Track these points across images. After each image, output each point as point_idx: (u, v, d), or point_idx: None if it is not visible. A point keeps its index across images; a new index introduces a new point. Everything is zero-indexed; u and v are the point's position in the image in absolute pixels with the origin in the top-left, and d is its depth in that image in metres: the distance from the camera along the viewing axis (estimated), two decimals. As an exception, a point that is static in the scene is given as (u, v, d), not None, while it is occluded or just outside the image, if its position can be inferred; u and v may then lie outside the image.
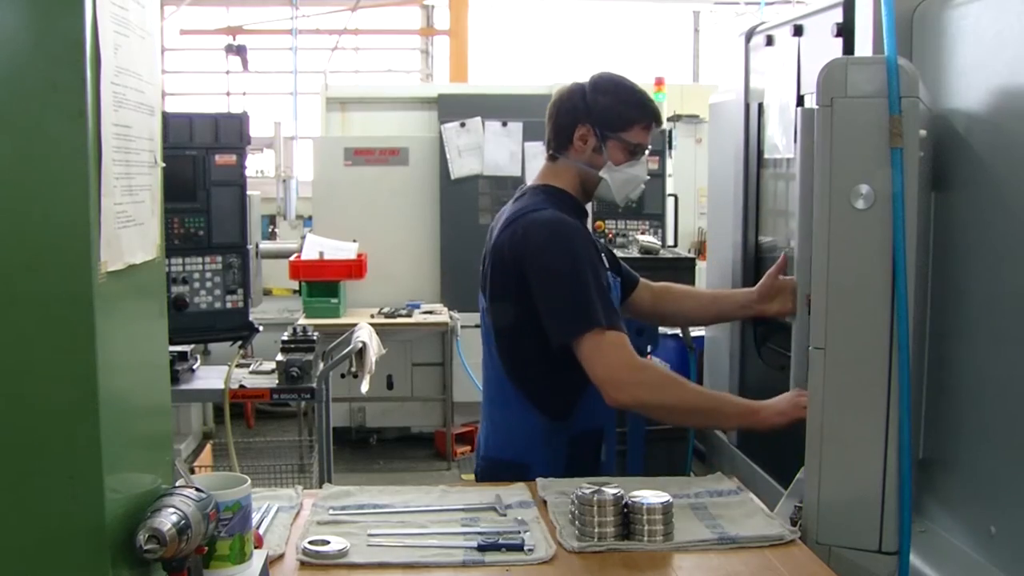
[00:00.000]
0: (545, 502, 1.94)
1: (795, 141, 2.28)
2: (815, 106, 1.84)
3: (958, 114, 1.99)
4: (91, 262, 1.07)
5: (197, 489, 1.24)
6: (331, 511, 1.89)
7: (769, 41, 2.82)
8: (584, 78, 2.26)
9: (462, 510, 1.91)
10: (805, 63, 2.50)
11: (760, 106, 2.86)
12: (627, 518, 1.75)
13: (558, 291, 2.06)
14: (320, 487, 2.07)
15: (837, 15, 2.28)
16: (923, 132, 1.81)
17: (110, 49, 1.11)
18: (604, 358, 2.01)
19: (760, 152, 2.88)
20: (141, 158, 1.24)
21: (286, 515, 1.87)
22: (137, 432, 1.25)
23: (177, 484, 1.31)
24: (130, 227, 1.19)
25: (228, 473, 1.52)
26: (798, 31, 2.56)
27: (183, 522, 1.16)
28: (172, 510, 1.16)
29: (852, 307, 1.83)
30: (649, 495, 1.77)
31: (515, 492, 2.01)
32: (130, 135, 1.19)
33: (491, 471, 2.20)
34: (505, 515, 1.88)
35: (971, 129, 1.95)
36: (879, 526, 1.82)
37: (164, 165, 1.34)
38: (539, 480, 2.05)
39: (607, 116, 2.19)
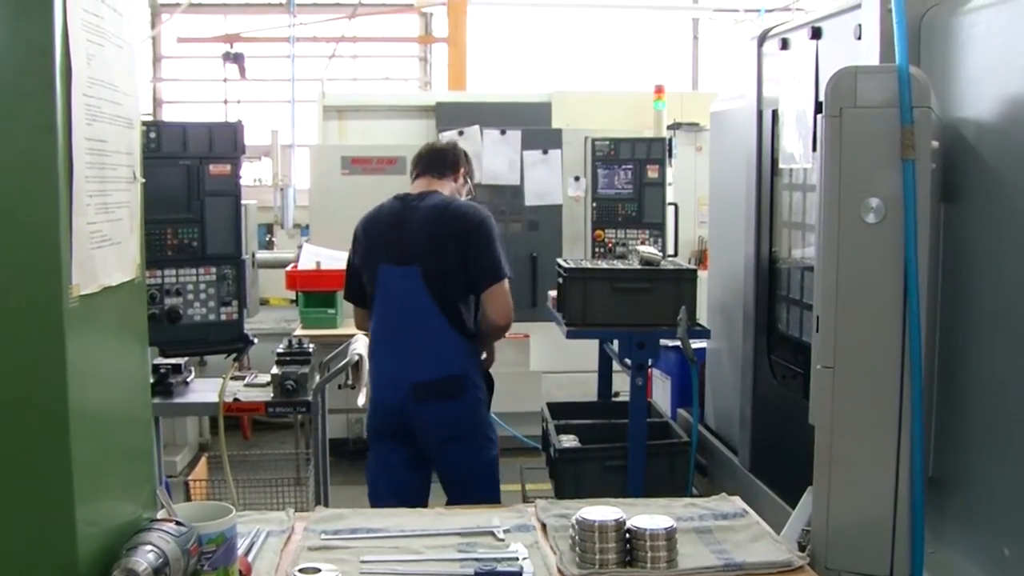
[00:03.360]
0: (544, 525, 1.89)
1: (813, 150, 2.21)
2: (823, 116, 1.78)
3: (968, 123, 1.93)
4: (61, 286, 1.01)
5: (178, 522, 1.18)
6: (323, 535, 1.83)
7: (784, 45, 2.71)
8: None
9: (458, 534, 1.85)
10: (824, 68, 2.34)
11: (774, 113, 2.75)
12: (629, 544, 1.69)
13: (492, 252, 3.12)
14: (317, 500, 2.01)
15: (858, 16, 2.18)
16: (935, 143, 1.76)
17: (82, 58, 1.05)
18: (504, 300, 3.15)
19: (774, 161, 2.79)
20: (118, 173, 1.18)
21: (276, 540, 1.81)
22: (114, 462, 1.19)
23: (158, 516, 1.24)
24: (105, 247, 1.13)
25: (212, 503, 1.46)
26: (816, 34, 2.43)
27: (161, 560, 1.09)
28: (149, 547, 1.10)
29: (862, 324, 1.77)
30: (652, 520, 1.71)
31: (513, 515, 1.95)
32: (105, 150, 1.13)
33: (439, 388, 3.06)
34: (503, 540, 1.82)
35: (981, 138, 1.90)
36: (890, 550, 1.76)
37: (144, 180, 1.28)
38: (539, 502, 2.00)
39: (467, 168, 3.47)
